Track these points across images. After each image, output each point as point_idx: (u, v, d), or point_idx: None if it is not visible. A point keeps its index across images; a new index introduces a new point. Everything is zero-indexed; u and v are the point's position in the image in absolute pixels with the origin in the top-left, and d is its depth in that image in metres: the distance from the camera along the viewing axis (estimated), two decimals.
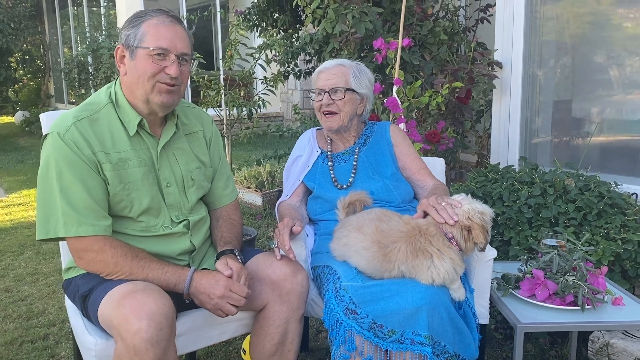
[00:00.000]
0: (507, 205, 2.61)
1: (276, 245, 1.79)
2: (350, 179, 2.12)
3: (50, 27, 14.16)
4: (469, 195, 1.75)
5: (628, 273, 2.33)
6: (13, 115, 13.94)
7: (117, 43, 1.71)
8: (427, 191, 2.08)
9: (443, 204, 1.72)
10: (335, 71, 2.10)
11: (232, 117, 4.14)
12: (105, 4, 10.79)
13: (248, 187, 4.90)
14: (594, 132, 3.21)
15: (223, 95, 3.79)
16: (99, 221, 1.60)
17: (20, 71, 13.68)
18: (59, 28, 13.57)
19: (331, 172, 2.15)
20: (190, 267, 1.67)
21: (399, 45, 3.06)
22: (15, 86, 13.82)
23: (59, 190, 1.57)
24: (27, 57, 13.38)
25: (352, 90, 2.09)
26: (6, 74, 11.63)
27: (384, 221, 1.76)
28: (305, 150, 2.23)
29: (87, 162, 1.59)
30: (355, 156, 2.16)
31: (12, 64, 12.35)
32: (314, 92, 2.13)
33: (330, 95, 2.08)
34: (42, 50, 14.34)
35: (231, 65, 3.93)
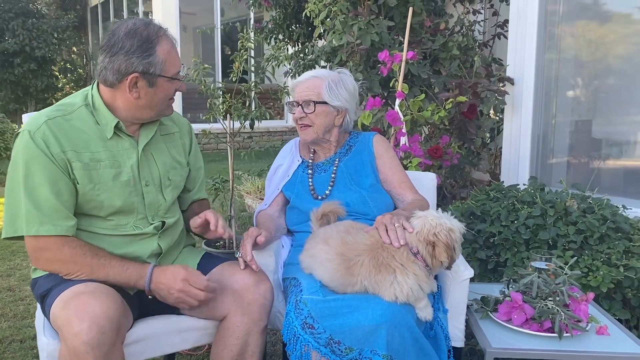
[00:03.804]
0: (504, 225, 2.50)
1: (240, 255, 1.75)
2: (327, 191, 2.05)
3: (93, 37, 14.68)
4: (440, 210, 1.67)
5: (630, 302, 2.19)
6: None
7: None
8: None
9: (396, 225, 1.65)
10: (308, 84, 2.05)
11: (233, 130, 4.10)
12: (143, 17, 11.15)
13: (261, 199, 4.90)
14: (606, 154, 3.07)
15: (226, 106, 3.77)
16: (62, 221, 1.59)
17: (64, 80, 14.14)
18: (101, 39, 14.02)
19: (310, 181, 2.10)
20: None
21: (403, 58, 3.01)
22: (58, 94, 14.31)
23: (24, 189, 1.57)
24: (69, 65, 13.85)
25: (324, 102, 2.04)
26: (48, 82, 12.06)
27: (350, 233, 1.69)
28: (286, 159, 2.19)
29: (56, 161, 1.59)
30: (335, 167, 2.10)
31: (54, 73, 12.80)
32: (292, 105, 2.10)
33: (302, 109, 2.05)
34: (84, 60, 14.84)
35: (241, 74, 3.90)
